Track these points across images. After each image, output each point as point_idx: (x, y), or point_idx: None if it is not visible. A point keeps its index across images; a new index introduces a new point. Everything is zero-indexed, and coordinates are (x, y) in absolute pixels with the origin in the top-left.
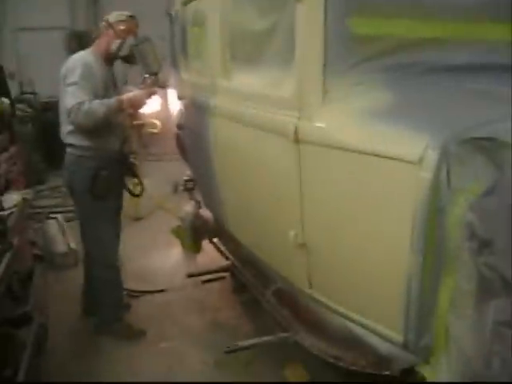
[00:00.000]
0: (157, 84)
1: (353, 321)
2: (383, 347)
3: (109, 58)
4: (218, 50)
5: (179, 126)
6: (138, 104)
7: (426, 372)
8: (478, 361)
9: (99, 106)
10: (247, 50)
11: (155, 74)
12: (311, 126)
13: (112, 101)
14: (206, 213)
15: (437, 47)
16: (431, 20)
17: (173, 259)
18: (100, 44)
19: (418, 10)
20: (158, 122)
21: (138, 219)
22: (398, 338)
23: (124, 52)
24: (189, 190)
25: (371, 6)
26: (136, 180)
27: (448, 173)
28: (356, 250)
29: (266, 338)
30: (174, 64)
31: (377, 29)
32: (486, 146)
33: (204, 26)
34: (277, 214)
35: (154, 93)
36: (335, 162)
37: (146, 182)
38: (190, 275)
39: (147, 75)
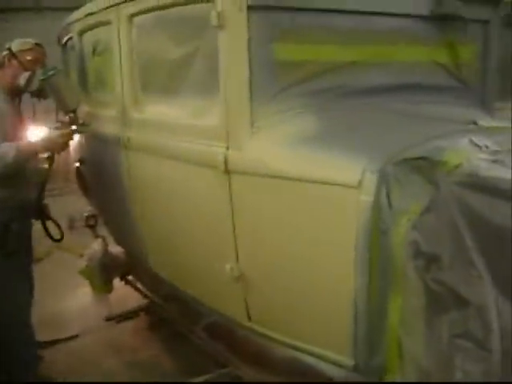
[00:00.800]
0: (76, 122)
1: (299, 349)
2: (334, 372)
3: (15, 93)
4: (127, 80)
5: (80, 161)
6: (54, 147)
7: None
8: (438, 375)
9: (8, 150)
10: (161, 79)
11: (73, 112)
12: (241, 155)
13: (24, 144)
14: (115, 249)
15: (356, 70)
16: (351, 44)
17: (83, 301)
18: (4, 77)
19: (338, 35)
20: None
21: (36, 261)
22: (348, 361)
23: (34, 87)
24: (91, 227)
25: (293, 33)
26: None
27: (388, 194)
28: (297, 278)
29: (206, 376)
30: None
31: (300, 54)
32: (420, 166)
33: (108, 55)
34: (209, 248)
35: (72, 133)
36: (268, 191)
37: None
38: (109, 319)
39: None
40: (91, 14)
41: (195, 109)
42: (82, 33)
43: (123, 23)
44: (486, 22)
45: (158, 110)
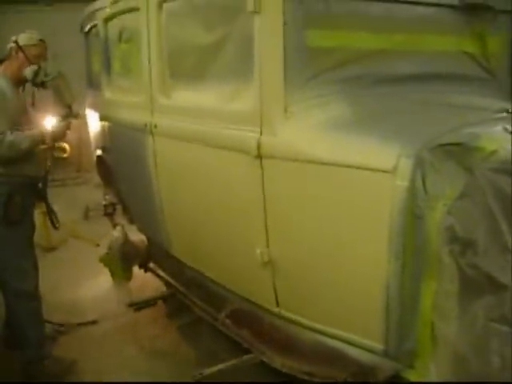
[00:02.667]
0: (71, 115)
1: (328, 335)
2: (364, 357)
3: (20, 82)
4: (155, 66)
5: (103, 149)
6: (59, 137)
7: (412, 376)
8: (474, 360)
9: (23, 139)
10: (191, 65)
11: (69, 107)
12: (275, 140)
13: (35, 134)
14: (135, 237)
15: (387, 58)
16: (381, 32)
17: (101, 289)
18: (11, 67)
19: (370, 23)
20: (67, 146)
21: (51, 249)
22: (379, 346)
23: (38, 80)
24: (109, 215)
25: (326, 19)
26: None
27: (423, 180)
28: (328, 263)
29: (231, 362)
30: (91, 84)
31: (332, 41)
32: (455, 151)
33: (135, 41)
34: (239, 233)
35: (70, 124)
36: (301, 176)
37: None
38: (131, 305)
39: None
40: (118, 1)
41: (227, 94)
42: (107, 20)
43: (152, 9)
44: None
45: (186, 95)
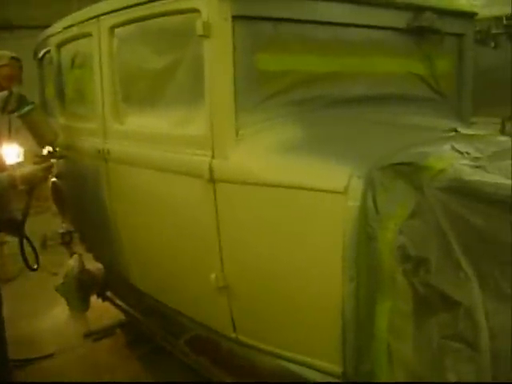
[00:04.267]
0: (54, 156)
1: (286, 359)
2: (323, 380)
3: None
4: (107, 92)
5: (57, 175)
6: (33, 181)
7: None
8: (431, 378)
9: None
10: (143, 90)
11: (51, 144)
12: (227, 164)
13: (3, 177)
14: (92, 266)
15: (337, 81)
16: (331, 55)
17: (58, 320)
18: None
19: (319, 46)
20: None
21: (7, 281)
22: (337, 369)
23: (10, 107)
24: (66, 244)
25: (275, 43)
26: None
27: (374, 199)
28: (283, 286)
29: None
30: (45, 111)
31: (282, 64)
32: (404, 171)
33: (87, 67)
34: (193, 259)
35: (51, 166)
36: (254, 199)
37: (8, 238)
38: (87, 335)
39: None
40: (70, 26)
41: (179, 118)
42: (60, 46)
43: (104, 35)
44: (460, 36)
45: (139, 121)
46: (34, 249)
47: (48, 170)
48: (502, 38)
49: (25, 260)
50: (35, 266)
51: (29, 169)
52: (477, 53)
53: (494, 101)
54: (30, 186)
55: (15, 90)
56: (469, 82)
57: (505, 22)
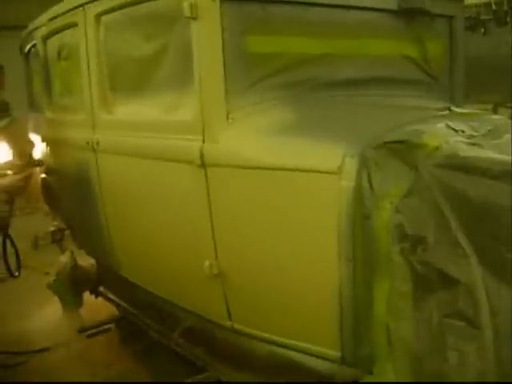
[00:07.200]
0: (32, 164)
1: (282, 346)
2: (321, 366)
3: None
4: (95, 82)
5: (46, 171)
6: (12, 191)
7: (371, 382)
8: (431, 359)
9: None
10: (131, 78)
11: (29, 155)
12: (217, 147)
13: None
14: (84, 262)
15: (327, 63)
16: (321, 37)
17: (52, 318)
18: None
19: (309, 28)
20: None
21: (1, 281)
22: (335, 353)
23: None
24: (57, 242)
25: (265, 25)
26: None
27: (369, 178)
28: (279, 271)
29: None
30: (32, 106)
31: (272, 46)
32: (398, 149)
33: (74, 58)
34: (186, 247)
35: (30, 175)
36: (246, 183)
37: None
38: (82, 330)
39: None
40: (55, 17)
41: (168, 104)
42: (46, 38)
43: (90, 23)
44: (451, 18)
45: (128, 109)
46: (17, 256)
47: (27, 179)
48: (491, 24)
49: (8, 268)
50: (16, 274)
51: (8, 179)
52: (466, 39)
53: (484, 88)
54: (10, 195)
55: None
56: (461, 64)
57: (494, 7)
